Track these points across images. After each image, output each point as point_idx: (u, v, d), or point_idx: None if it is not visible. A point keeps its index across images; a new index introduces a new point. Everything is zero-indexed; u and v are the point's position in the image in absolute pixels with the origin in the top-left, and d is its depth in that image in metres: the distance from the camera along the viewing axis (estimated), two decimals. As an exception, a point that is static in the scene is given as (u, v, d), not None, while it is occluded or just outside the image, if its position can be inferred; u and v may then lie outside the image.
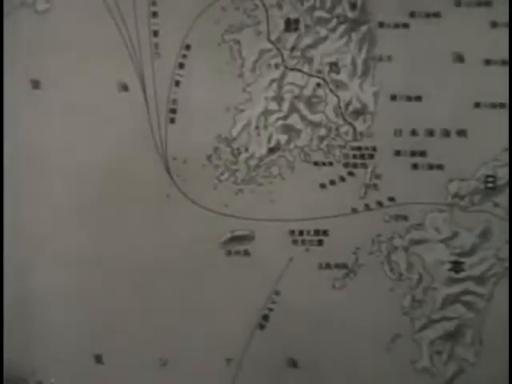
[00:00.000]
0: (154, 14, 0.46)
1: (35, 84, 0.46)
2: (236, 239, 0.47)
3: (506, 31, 0.44)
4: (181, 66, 0.46)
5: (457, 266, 0.45)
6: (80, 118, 0.47)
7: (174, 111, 0.46)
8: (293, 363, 0.47)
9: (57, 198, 0.47)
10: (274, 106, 0.46)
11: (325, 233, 0.46)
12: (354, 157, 0.46)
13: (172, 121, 0.46)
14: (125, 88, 0.46)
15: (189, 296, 0.47)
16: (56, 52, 0.46)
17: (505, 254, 0.45)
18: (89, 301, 0.48)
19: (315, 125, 0.46)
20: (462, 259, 0.45)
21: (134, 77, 0.46)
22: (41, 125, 0.47)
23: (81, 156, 0.47)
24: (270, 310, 0.47)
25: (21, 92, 0.46)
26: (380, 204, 0.46)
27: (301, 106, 0.46)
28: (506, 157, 0.45)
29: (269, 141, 0.46)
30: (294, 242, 0.46)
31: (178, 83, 0.46)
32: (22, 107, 0.47)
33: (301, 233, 0.46)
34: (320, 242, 0.46)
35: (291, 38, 0.45)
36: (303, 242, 0.46)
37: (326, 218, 0.46)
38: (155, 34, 0.46)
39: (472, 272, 0.45)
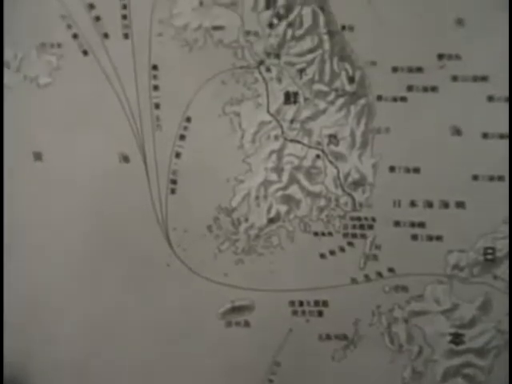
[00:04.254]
0: (155, 88, 0.46)
1: (37, 156, 0.47)
2: (236, 309, 0.46)
3: (503, 105, 0.44)
4: (181, 137, 0.46)
5: (457, 338, 0.45)
6: (81, 189, 0.47)
7: (174, 182, 0.47)
8: None
9: (57, 267, 0.47)
10: (273, 176, 0.46)
11: (325, 303, 0.46)
12: (354, 227, 0.46)
13: (172, 191, 0.47)
14: (126, 159, 0.47)
15: (188, 367, 0.47)
16: (57, 124, 0.47)
17: (505, 326, 0.45)
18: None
19: (315, 195, 0.46)
20: (462, 331, 0.45)
21: (135, 148, 0.47)
22: (42, 196, 0.47)
23: (82, 226, 0.47)
24: (271, 381, 0.46)
25: (23, 164, 0.47)
26: (380, 275, 0.46)
27: (300, 176, 0.46)
28: (504, 229, 0.45)
29: (269, 211, 0.46)
30: (294, 312, 0.46)
31: (178, 155, 0.47)
32: (24, 179, 0.47)
33: (301, 303, 0.46)
34: (320, 313, 0.46)
35: (290, 110, 0.46)
36: (303, 312, 0.46)
37: (325, 289, 0.46)
38: (156, 106, 0.46)
39: (472, 344, 0.45)
